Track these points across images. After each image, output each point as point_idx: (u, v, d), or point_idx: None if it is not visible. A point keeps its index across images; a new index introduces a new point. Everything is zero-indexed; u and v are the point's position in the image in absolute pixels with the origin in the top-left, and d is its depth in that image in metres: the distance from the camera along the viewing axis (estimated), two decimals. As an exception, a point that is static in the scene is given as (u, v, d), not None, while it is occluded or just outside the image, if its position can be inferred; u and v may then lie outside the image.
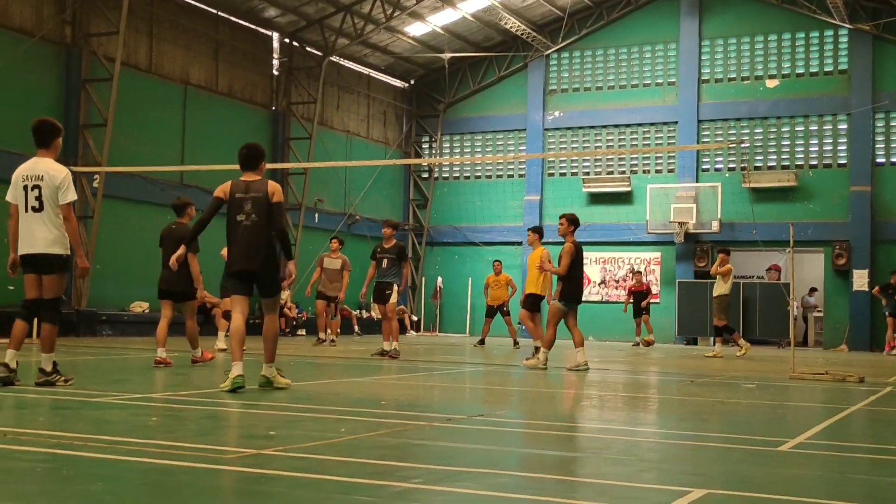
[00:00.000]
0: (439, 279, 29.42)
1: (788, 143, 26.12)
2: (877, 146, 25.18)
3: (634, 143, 27.67)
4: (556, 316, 12.18)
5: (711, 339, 23.78)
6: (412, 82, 30.42)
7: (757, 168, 26.10)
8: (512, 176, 29.27)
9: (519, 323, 17.48)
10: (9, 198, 7.83)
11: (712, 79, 26.99)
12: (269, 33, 25.00)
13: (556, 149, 28.29)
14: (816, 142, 25.81)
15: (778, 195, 25.51)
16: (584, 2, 27.64)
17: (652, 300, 23.79)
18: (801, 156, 25.93)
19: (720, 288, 17.90)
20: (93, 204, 19.04)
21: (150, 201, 20.38)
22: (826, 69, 25.88)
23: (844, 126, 25.50)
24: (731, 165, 26.57)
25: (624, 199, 27.29)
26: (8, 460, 4.39)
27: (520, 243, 26.69)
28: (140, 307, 20.01)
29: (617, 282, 27.43)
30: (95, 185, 19.02)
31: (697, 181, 26.51)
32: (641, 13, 27.78)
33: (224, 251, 13.59)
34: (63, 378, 7.81)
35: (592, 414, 7.60)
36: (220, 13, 23.17)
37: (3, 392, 7.27)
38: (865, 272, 24.63)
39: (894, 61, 25.09)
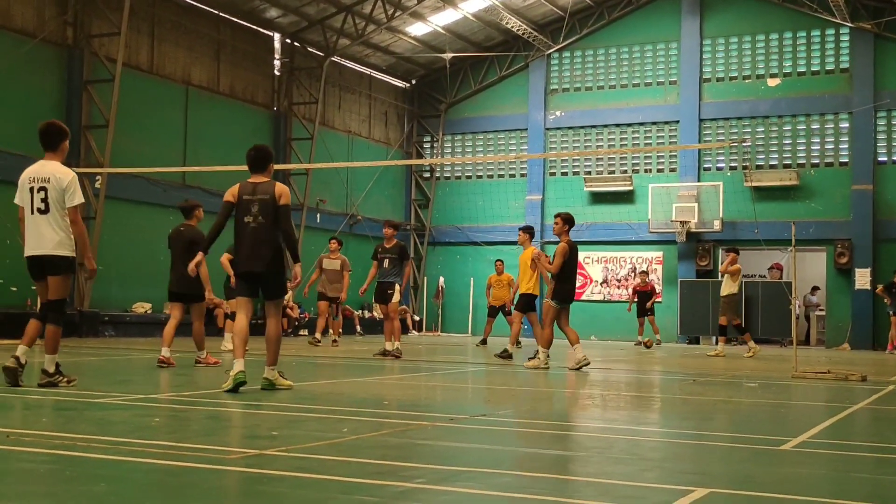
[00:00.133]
0: (441, 279, 29.42)
1: (790, 141, 26.11)
2: (878, 145, 25.17)
3: (636, 142, 27.66)
4: (551, 315, 12.21)
5: (714, 338, 23.77)
6: (413, 82, 30.43)
7: (758, 167, 26.09)
8: (514, 176, 29.27)
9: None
10: (17, 201, 7.86)
11: (713, 78, 26.98)
12: (270, 34, 25.02)
13: (557, 148, 28.30)
14: (818, 140, 25.80)
15: (780, 194, 25.51)
16: (586, 1, 27.63)
17: (655, 300, 23.69)
18: (803, 154, 25.92)
19: (728, 287, 17.62)
20: (95, 205, 19.03)
21: (152, 202, 20.42)
22: (827, 68, 25.87)
23: (846, 125, 25.49)
24: (733, 164, 26.56)
25: (626, 198, 27.30)
26: (11, 461, 4.40)
27: (521, 243, 26.66)
28: (142, 308, 20.00)
29: (619, 281, 27.43)
30: (97, 186, 19.04)
31: (699, 180, 26.51)
32: (642, 12, 27.78)
33: (223, 258, 13.65)
34: (66, 379, 7.81)
35: (595, 413, 7.60)
36: (221, 14, 23.19)
37: (7, 393, 7.29)
38: (867, 271, 24.63)
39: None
